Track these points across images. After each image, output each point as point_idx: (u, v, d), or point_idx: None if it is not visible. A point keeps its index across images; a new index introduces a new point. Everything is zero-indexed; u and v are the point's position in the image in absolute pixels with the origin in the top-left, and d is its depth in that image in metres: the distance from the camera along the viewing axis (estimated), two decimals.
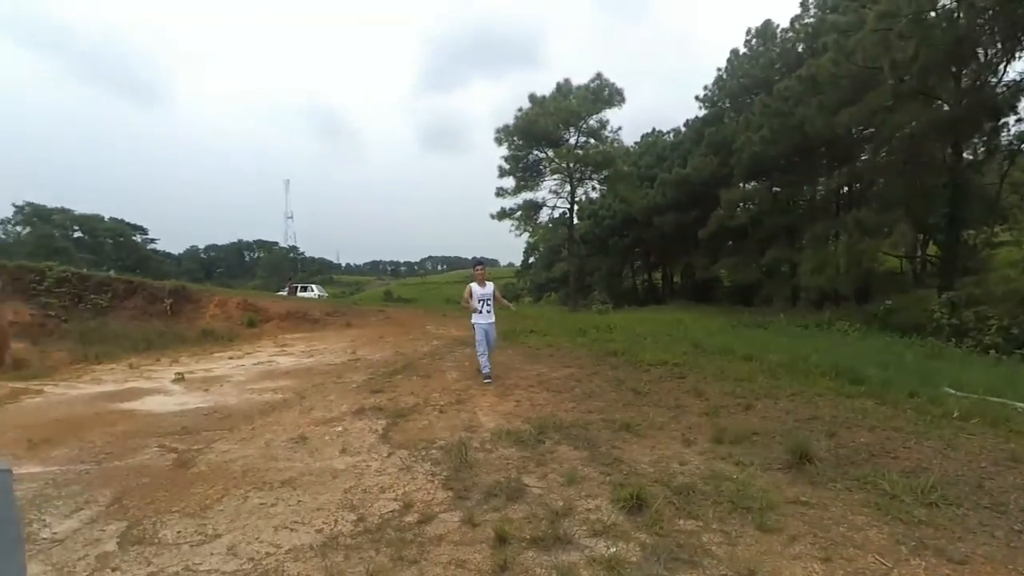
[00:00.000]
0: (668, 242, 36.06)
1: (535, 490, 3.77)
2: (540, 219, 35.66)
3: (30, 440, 5.36)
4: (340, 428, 5.53)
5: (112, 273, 19.98)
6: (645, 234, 36.36)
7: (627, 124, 34.97)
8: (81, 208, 43.22)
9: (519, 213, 34.17)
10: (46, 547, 3.16)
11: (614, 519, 3.23)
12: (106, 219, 44.71)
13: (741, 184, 28.57)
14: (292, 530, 3.30)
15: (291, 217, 64.10)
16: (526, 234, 37.77)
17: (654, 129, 42.00)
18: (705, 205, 29.58)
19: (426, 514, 3.43)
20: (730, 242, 31.21)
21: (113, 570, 2.89)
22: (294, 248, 74.11)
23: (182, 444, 5.27)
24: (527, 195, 34.10)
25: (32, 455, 4.98)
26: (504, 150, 32.98)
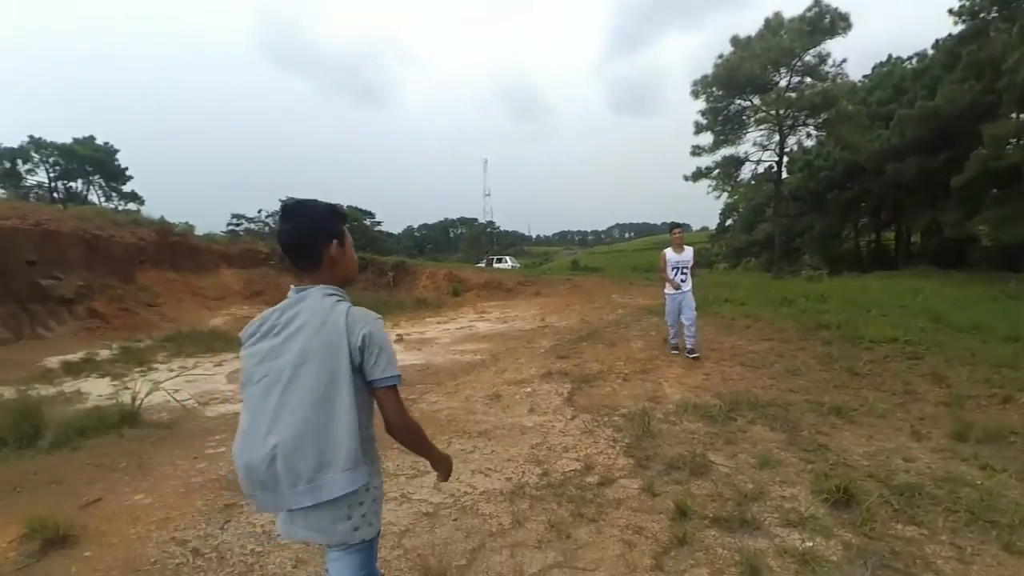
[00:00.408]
0: (906, 193, 29.58)
1: (722, 468, 3.58)
2: (741, 176, 32.25)
3: None
4: (529, 389, 5.89)
5: None
6: (874, 185, 30.36)
7: (854, 56, 29.10)
8: (329, 199, 52.63)
9: (717, 171, 31.20)
10: None
11: (813, 511, 2.91)
12: (345, 207, 53.84)
13: (1013, 115, 22.13)
14: (485, 475, 3.66)
15: (488, 194, 68.66)
16: (724, 195, 34.65)
17: (890, 56, 34.76)
18: (960, 144, 23.65)
19: (606, 477, 3.50)
20: (995, 190, 24.36)
21: None
22: (491, 223, 79.69)
23: (401, 394, 6.15)
24: (727, 151, 30.85)
25: None
26: (701, 103, 30.10)
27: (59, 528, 2.87)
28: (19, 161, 33.50)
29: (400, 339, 10.60)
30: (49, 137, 34.05)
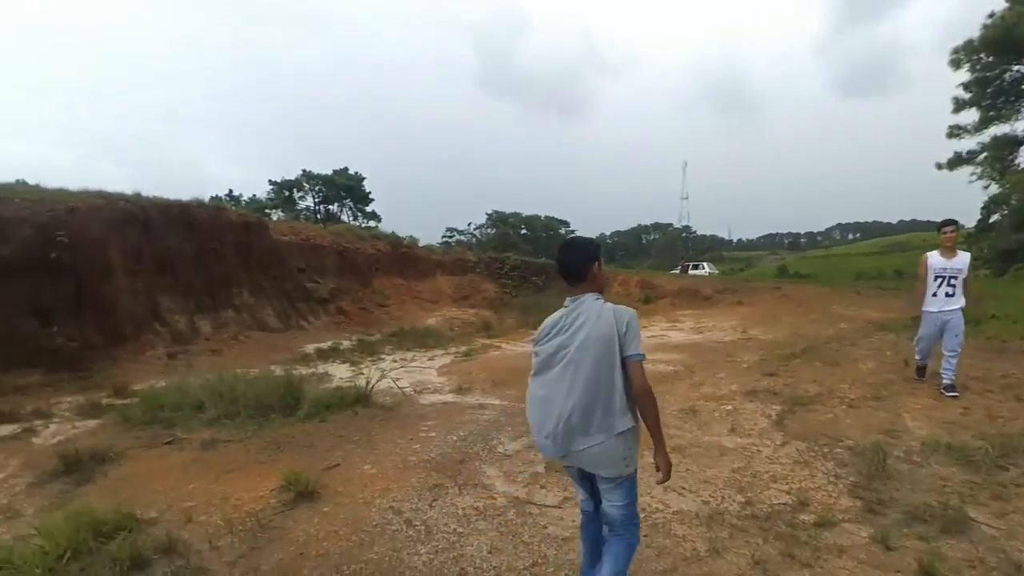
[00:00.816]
0: None
1: (986, 529, 2.79)
2: (1017, 160, 25.31)
3: (494, 381, 7.24)
4: (730, 407, 5.38)
5: (543, 260, 25.04)
6: None
7: None
8: (527, 211, 55.72)
9: (983, 156, 24.88)
10: (500, 458, 4.22)
11: None
12: (542, 217, 56.18)
13: None
14: (679, 494, 3.42)
15: (686, 198, 65.16)
16: (991, 185, 27.53)
17: None
18: None
19: (825, 518, 2.99)
20: None
21: (541, 487, 3.63)
22: (687, 228, 75.74)
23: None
24: (999, 129, 24.45)
25: (494, 391, 6.73)
26: (963, 74, 24.19)
27: (307, 484, 3.48)
28: (294, 190, 42.35)
29: None
30: (316, 170, 42.37)
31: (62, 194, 9.33)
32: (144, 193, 10.82)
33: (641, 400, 1.96)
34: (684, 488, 3.51)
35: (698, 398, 5.78)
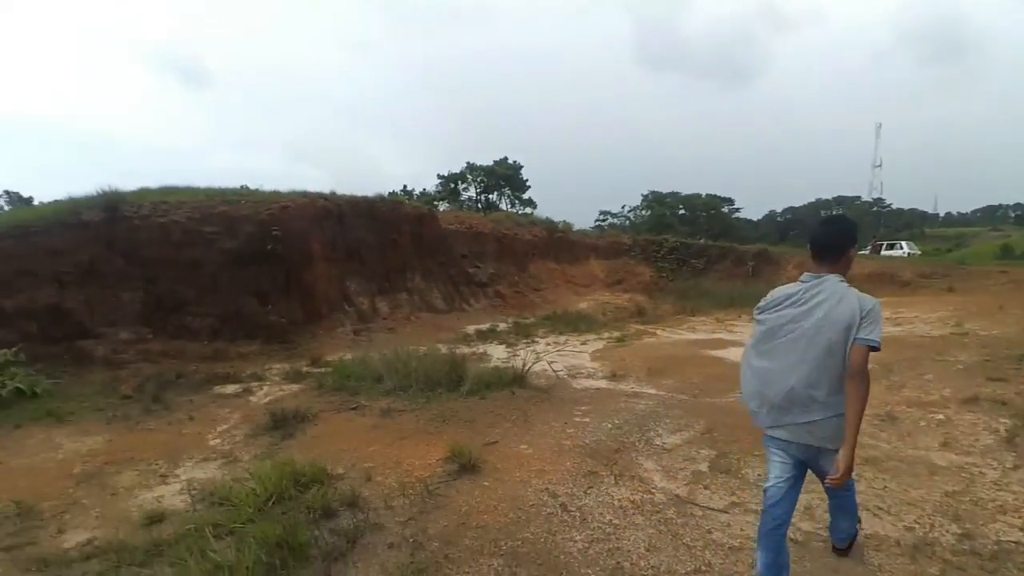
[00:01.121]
0: None
1: None
2: None
3: (649, 369, 6.96)
4: (941, 416, 4.50)
5: (703, 241, 23.39)
6: None
7: None
8: (686, 190, 52.33)
9: None
10: (658, 451, 4.01)
11: None
12: (703, 196, 52.36)
13: None
14: (874, 514, 2.93)
15: (879, 165, 55.72)
16: None
17: None
18: None
19: None
20: None
21: (704, 488, 3.36)
22: (879, 200, 64.83)
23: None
24: None
25: (650, 380, 6.46)
26: None
27: (470, 458, 3.65)
28: (459, 182, 45.17)
29: None
30: (479, 162, 44.70)
31: (275, 195, 11.01)
32: (338, 191, 12.35)
33: (853, 381, 1.88)
34: (881, 508, 3.00)
35: (898, 403, 4.93)
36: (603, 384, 6.37)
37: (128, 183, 10.05)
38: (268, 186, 11.56)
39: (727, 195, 54.10)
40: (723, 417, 4.81)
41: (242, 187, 11.74)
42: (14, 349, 6.20)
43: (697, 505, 3.12)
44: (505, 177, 43.98)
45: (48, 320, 7.29)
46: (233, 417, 5.35)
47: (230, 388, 6.50)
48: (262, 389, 6.49)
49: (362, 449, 4.16)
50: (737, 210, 53.91)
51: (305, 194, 11.50)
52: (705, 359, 7.78)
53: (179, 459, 4.20)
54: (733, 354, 8.09)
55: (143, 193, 9.37)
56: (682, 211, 50.99)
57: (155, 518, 3.13)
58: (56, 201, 9.16)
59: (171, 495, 3.54)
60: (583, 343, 9.60)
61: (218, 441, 4.65)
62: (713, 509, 3.07)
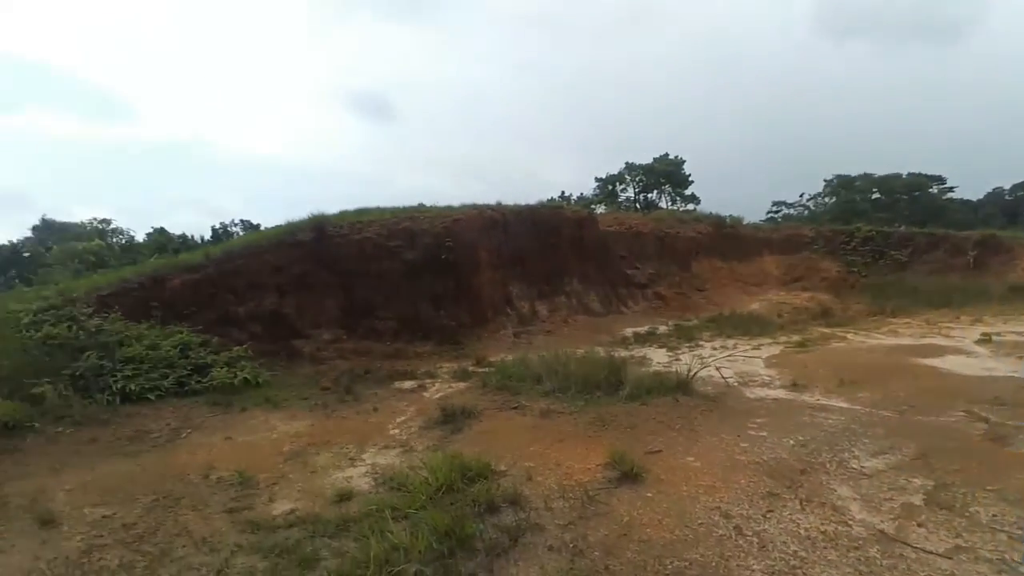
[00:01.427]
0: None
1: None
2: None
3: (840, 379, 6.06)
4: None
5: (902, 228, 19.76)
6: None
7: None
8: (880, 170, 44.83)
9: None
10: (855, 476, 3.45)
11: None
12: (903, 175, 44.44)
13: None
14: None
15: None
16: None
17: None
18: None
19: None
20: None
21: (918, 525, 2.80)
22: None
23: (994, 415, 4.53)
24: None
25: (840, 392, 5.62)
26: None
27: (632, 466, 3.51)
28: (616, 183, 44.58)
29: (987, 339, 7.95)
30: (638, 161, 43.67)
31: (448, 209, 11.99)
32: (504, 202, 13.04)
33: None
34: None
35: None
36: (782, 394, 5.72)
37: (332, 207, 11.70)
38: (442, 202, 12.61)
39: (935, 173, 45.01)
40: (941, 440, 4.00)
41: (419, 204, 12.93)
42: (244, 346, 7.57)
43: (909, 545, 2.61)
44: (665, 174, 42.28)
45: (270, 323, 8.79)
46: (410, 410, 5.86)
47: (408, 384, 7.15)
48: (434, 385, 7.02)
49: (523, 448, 4.25)
50: (949, 190, 44.41)
51: (474, 206, 12.33)
52: (914, 368, 6.57)
53: (365, 445, 4.71)
54: (953, 363, 6.73)
55: (343, 215, 10.85)
56: (876, 195, 43.76)
57: (344, 496, 3.55)
58: (277, 225, 11.01)
59: (358, 476, 3.97)
60: (755, 348, 8.75)
61: (397, 431, 5.13)
62: (931, 552, 2.54)
